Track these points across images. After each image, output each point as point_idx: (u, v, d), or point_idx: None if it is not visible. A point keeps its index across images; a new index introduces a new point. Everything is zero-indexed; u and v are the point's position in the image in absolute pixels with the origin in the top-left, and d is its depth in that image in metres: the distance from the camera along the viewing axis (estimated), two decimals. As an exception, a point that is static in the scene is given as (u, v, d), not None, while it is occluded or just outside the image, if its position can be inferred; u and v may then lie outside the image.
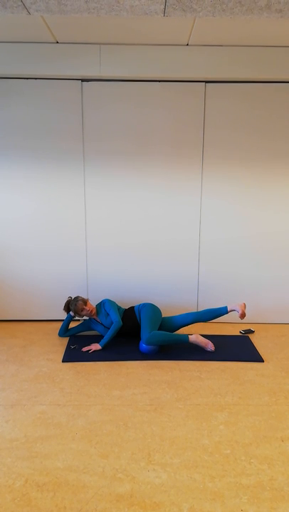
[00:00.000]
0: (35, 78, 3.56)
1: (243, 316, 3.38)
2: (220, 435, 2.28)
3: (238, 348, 3.41)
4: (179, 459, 2.08)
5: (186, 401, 2.62)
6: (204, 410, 2.52)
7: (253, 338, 3.67)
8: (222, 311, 3.44)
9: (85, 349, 3.35)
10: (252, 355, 3.28)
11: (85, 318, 3.85)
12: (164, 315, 4.05)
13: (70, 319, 3.60)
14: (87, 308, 3.44)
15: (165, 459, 2.09)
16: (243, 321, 4.04)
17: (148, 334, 3.24)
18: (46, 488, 1.89)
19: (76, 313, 3.46)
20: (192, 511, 1.76)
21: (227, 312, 3.44)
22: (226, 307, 3.44)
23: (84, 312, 3.45)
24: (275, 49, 3.40)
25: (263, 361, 3.20)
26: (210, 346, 3.32)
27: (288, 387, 2.81)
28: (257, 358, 3.24)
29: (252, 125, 3.66)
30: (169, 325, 3.46)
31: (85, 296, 4.00)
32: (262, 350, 3.40)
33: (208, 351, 3.33)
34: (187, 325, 3.47)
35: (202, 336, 3.62)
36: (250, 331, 3.78)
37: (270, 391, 2.75)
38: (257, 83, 3.58)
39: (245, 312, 3.38)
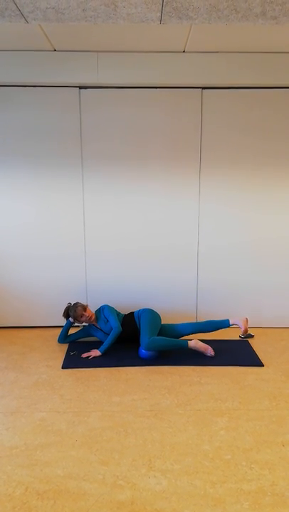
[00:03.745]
0: (33, 86, 3.58)
1: (245, 332, 3.39)
2: (220, 440, 2.27)
3: (238, 353, 3.40)
4: (180, 465, 2.07)
5: (186, 406, 2.61)
6: (204, 416, 2.51)
7: (252, 342, 3.67)
8: (224, 325, 3.45)
9: (84, 355, 3.34)
10: (252, 360, 3.27)
11: (84, 324, 3.84)
12: (163, 321, 4.05)
13: (69, 325, 3.60)
14: (86, 314, 3.44)
15: (166, 465, 2.08)
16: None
17: (147, 340, 3.23)
18: (46, 496, 1.88)
19: (75, 319, 3.46)
20: (193, 518, 1.75)
21: (229, 325, 3.45)
22: (228, 320, 3.45)
23: (83, 318, 3.44)
24: (271, 55, 3.43)
25: (262, 365, 3.19)
26: (210, 351, 3.32)
27: (288, 391, 2.80)
28: (257, 362, 3.24)
29: (249, 131, 3.68)
30: (170, 333, 3.45)
31: (84, 302, 3.99)
32: (262, 355, 3.39)
33: (208, 356, 3.33)
34: (188, 334, 3.46)
35: (202, 340, 3.61)
36: (250, 336, 3.78)
37: (271, 395, 2.75)
38: (253, 89, 3.61)
39: (247, 328, 3.43)
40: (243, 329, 3.38)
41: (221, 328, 3.46)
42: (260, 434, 2.32)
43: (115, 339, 3.36)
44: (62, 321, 3.90)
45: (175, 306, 4.02)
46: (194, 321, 4.04)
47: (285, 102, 3.62)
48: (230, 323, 3.44)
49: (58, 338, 3.69)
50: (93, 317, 3.50)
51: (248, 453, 2.17)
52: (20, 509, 1.81)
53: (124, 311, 3.99)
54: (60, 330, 3.90)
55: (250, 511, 1.78)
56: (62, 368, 3.17)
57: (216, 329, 3.45)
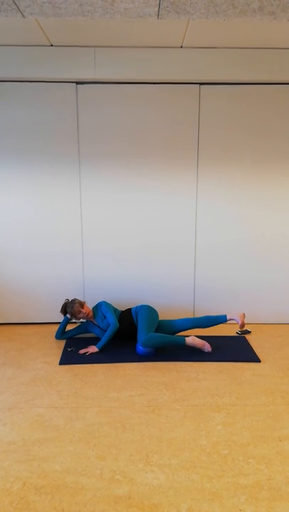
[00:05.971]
0: (30, 81, 3.56)
1: (242, 326, 3.43)
2: (217, 436, 2.28)
3: (235, 349, 3.41)
4: (177, 460, 2.08)
5: (183, 402, 2.62)
6: (202, 411, 2.52)
7: (249, 338, 3.68)
8: (221, 320, 3.48)
9: (82, 351, 3.34)
10: (249, 356, 3.28)
11: (81, 320, 3.85)
12: (161, 317, 4.06)
13: (66, 322, 3.60)
14: (83, 310, 3.44)
15: (163, 460, 2.09)
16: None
17: (145, 336, 3.24)
18: (44, 491, 1.88)
19: (73, 315, 3.46)
20: (190, 512, 1.77)
21: (226, 321, 3.47)
22: (225, 316, 3.47)
23: (81, 315, 3.44)
24: (269, 51, 3.43)
25: (259, 361, 3.20)
26: (207, 347, 3.33)
27: (285, 387, 2.82)
28: (254, 358, 3.25)
29: (246, 126, 3.68)
30: (167, 329, 3.46)
31: (81, 299, 3.99)
32: (259, 351, 3.41)
33: (205, 352, 3.34)
34: (185, 330, 3.48)
35: (199, 336, 3.62)
36: (247, 332, 3.79)
37: (267, 391, 2.76)
38: (251, 85, 3.60)
39: (245, 322, 3.46)
40: (239, 323, 3.41)
41: (219, 324, 3.49)
42: (257, 429, 2.34)
43: (113, 335, 3.36)
44: (60, 318, 3.90)
45: (172, 303, 4.03)
46: (192, 317, 4.05)
47: (283, 98, 3.62)
48: (228, 318, 3.47)
49: (55, 334, 3.69)
50: (91, 314, 3.50)
51: (245, 448, 2.18)
52: (18, 504, 1.81)
53: (122, 308, 3.99)
54: (57, 326, 3.90)
55: (246, 505, 1.80)
56: (60, 364, 3.17)
57: (214, 324, 3.48)
